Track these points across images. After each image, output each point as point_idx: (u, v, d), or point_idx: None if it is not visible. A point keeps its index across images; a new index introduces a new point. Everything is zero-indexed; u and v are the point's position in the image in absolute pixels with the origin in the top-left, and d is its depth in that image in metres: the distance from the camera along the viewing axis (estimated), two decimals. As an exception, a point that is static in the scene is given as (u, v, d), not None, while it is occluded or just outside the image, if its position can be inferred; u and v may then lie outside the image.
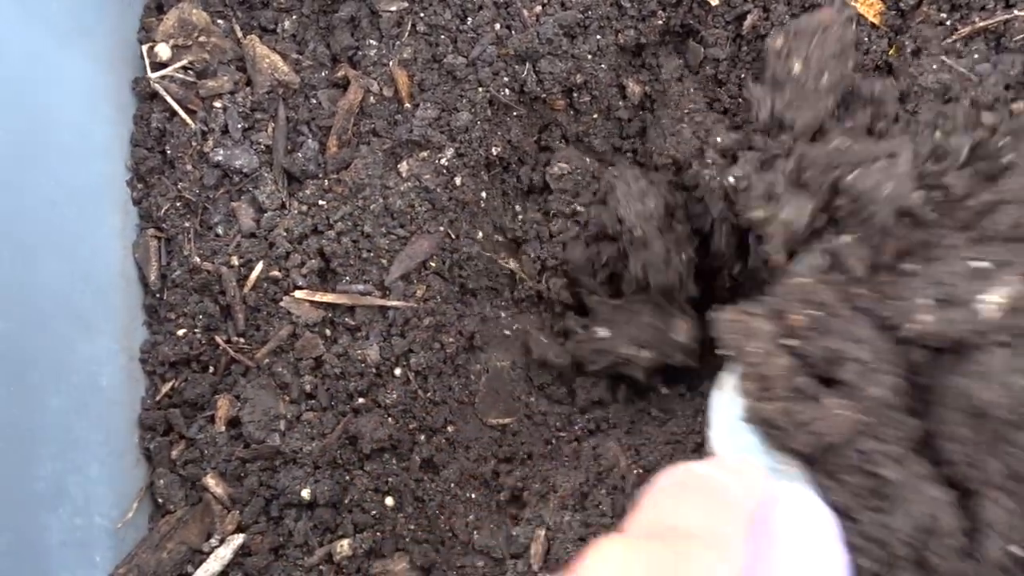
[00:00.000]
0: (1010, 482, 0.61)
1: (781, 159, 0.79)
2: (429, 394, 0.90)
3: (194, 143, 0.90)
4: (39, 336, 0.77)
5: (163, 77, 0.91)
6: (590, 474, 0.85)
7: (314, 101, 0.94)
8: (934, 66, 0.79)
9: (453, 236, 0.93)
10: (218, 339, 0.87)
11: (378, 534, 0.85)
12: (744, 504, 0.47)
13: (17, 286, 0.75)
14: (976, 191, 0.73)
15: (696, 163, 0.91)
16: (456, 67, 0.91)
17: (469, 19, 0.92)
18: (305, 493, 0.83)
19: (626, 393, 1.01)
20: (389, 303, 0.88)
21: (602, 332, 0.96)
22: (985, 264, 0.66)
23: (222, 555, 0.82)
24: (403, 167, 0.90)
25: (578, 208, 0.98)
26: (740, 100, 0.93)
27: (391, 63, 0.92)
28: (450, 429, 0.92)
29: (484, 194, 0.96)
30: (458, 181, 0.92)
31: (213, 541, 0.83)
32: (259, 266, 0.88)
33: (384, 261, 0.89)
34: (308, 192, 0.90)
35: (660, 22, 0.95)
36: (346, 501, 0.86)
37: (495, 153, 0.94)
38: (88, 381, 0.81)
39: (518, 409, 0.94)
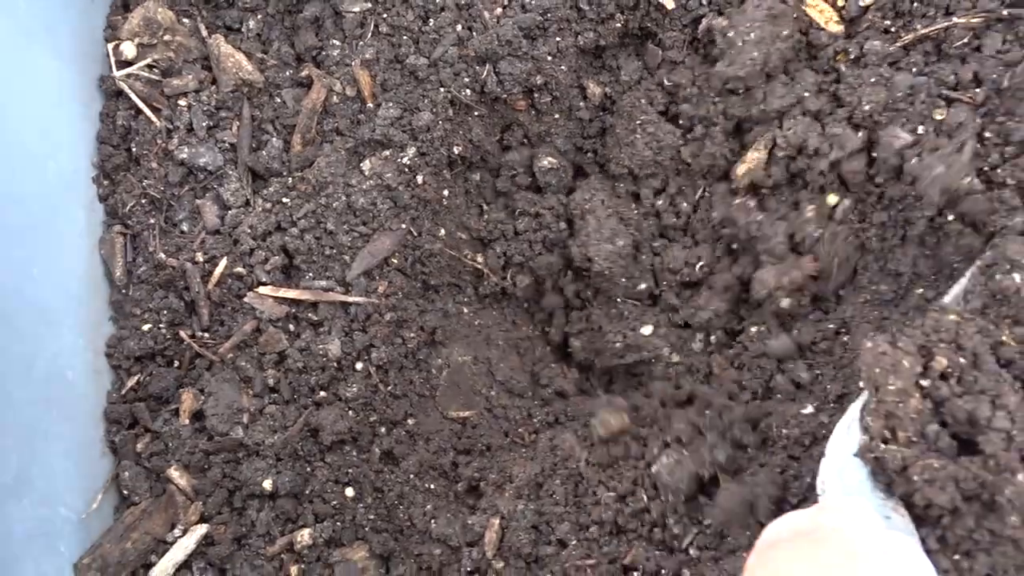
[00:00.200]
0: None
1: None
2: (390, 388, 0.92)
3: (159, 141, 0.92)
4: (4, 330, 0.78)
5: (128, 75, 0.92)
6: (546, 464, 0.88)
7: (278, 100, 0.96)
8: (872, 79, 0.82)
9: (415, 233, 0.95)
10: (183, 334, 0.89)
11: (338, 524, 0.88)
12: (852, 560, 0.50)
13: (-19, 282, 0.76)
14: None
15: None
16: (418, 67, 0.93)
17: (431, 20, 0.94)
18: (267, 484, 0.86)
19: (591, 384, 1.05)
20: (351, 299, 0.90)
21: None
22: None
23: (185, 545, 0.84)
24: (366, 166, 0.92)
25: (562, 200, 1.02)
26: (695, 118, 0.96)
27: (354, 63, 0.93)
28: (410, 422, 0.94)
29: (446, 192, 0.98)
30: (420, 180, 0.93)
31: (177, 531, 0.85)
32: (223, 262, 0.90)
33: (346, 258, 0.90)
34: (272, 190, 0.92)
35: (619, 25, 0.97)
36: (307, 492, 0.88)
37: (457, 152, 0.96)
38: (54, 375, 0.83)
39: (479, 403, 0.97)
